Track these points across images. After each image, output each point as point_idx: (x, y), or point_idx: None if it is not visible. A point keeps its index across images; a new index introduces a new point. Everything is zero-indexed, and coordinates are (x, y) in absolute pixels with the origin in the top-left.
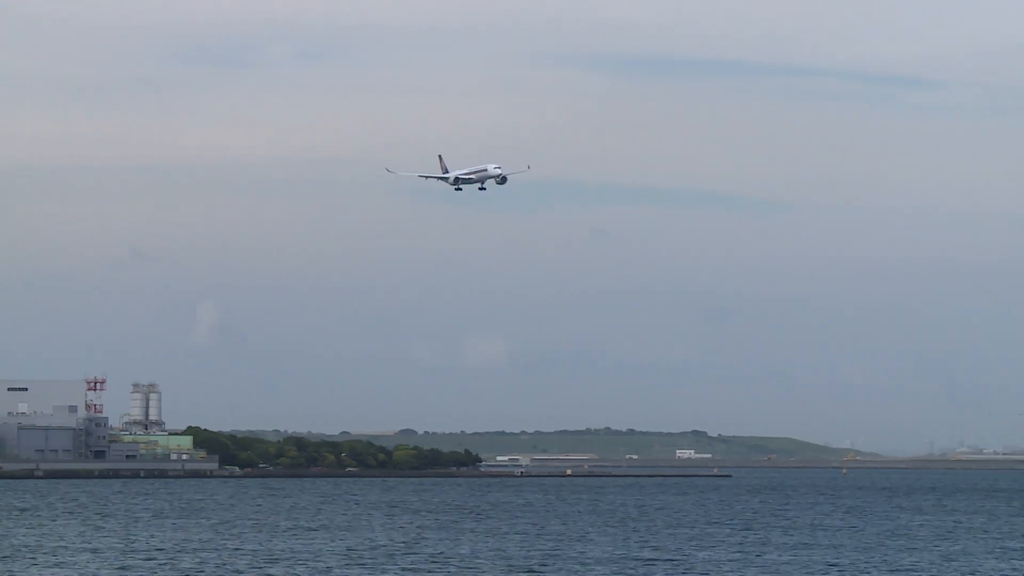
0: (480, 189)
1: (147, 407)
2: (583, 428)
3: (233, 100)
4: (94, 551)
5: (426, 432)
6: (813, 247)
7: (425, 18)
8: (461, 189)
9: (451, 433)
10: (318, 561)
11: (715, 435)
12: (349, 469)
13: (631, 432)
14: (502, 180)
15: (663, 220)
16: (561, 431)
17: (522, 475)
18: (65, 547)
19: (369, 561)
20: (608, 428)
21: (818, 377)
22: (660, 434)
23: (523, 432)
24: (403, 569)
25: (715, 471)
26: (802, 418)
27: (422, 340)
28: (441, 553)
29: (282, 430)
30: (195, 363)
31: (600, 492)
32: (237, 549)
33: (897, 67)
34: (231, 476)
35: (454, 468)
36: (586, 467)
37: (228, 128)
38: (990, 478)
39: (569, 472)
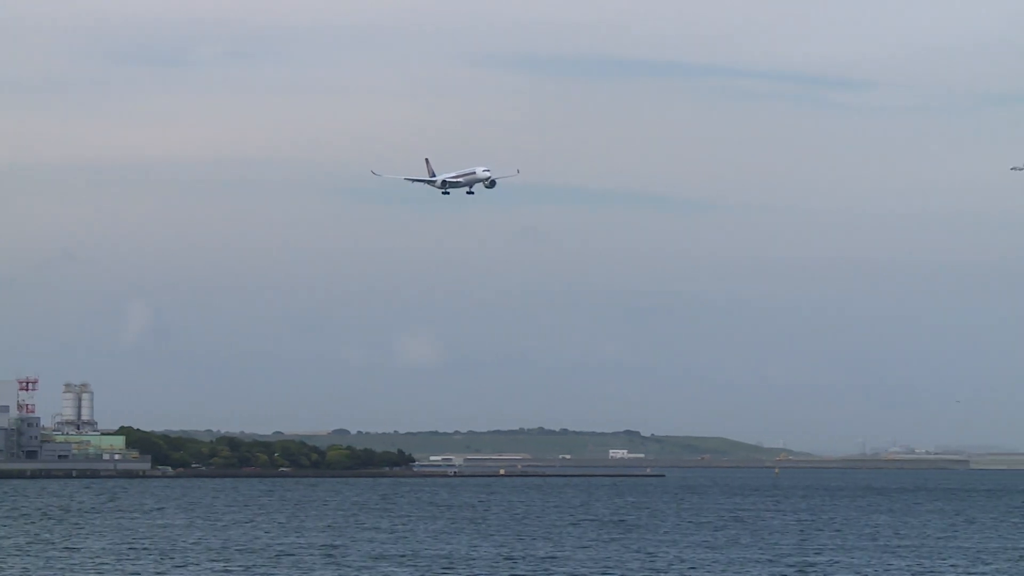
0: (468, 193)
1: (79, 407)
2: (516, 428)
3: (163, 100)
4: None
5: (359, 432)
6: (744, 247)
7: (356, 18)
8: (448, 193)
9: (384, 433)
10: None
11: (648, 435)
12: (282, 469)
13: (564, 432)
14: (491, 184)
15: (595, 219)
16: (494, 431)
17: (455, 475)
18: None
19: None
20: (541, 428)
21: (751, 377)
22: (593, 434)
23: (456, 432)
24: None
25: (648, 471)
26: (735, 418)
27: (355, 340)
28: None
29: (215, 430)
30: (127, 363)
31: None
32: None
33: (827, 68)
34: (164, 476)
35: (387, 468)
36: (519, 467)
37: (159, 128)
38: (923, 477)
39: (502, 472)
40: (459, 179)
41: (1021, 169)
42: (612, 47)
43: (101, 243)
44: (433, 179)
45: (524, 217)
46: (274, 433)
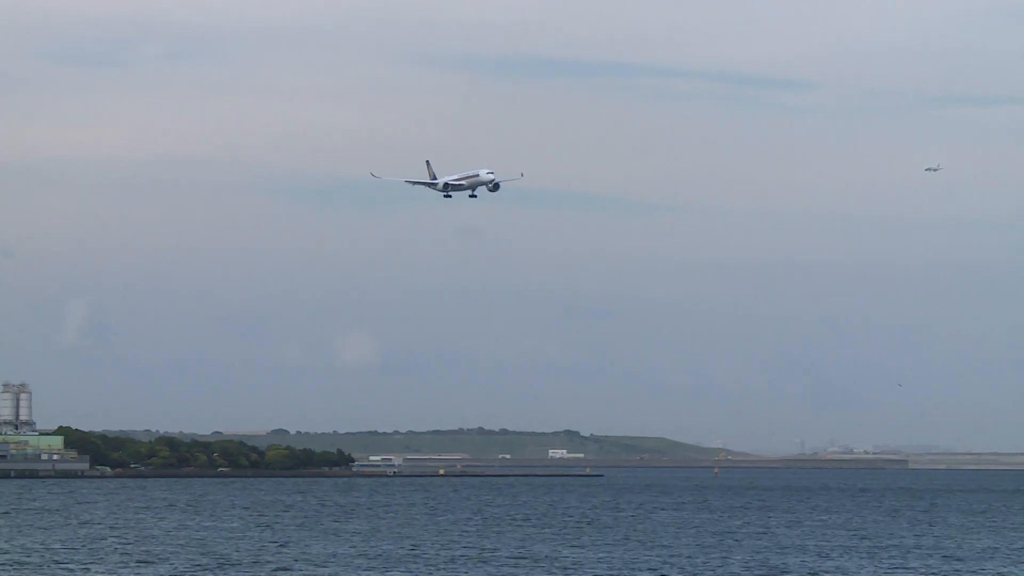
0: (471, 196)
1: (17, 407)
2: (456, 428)
3: (103, 100)
4: None
5: (299, 432)
6: (684, 248)
7: (295, 19)
8: (450, 196)
9: (324, 433)
10: None
11: (587, 435)
12: (221, 469)
13: (504, 432)
14: (495, 187)
15: (533, 220)
16: (434, 431)
17: (395, 475)
18: None
19: None
20: (481, 428)
21: (690, 377)
22: (533, 434)
23: (396, 432)
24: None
25: (587, 471)
26: (674, 418)
27: (294, 340)
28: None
29: (153, 430)
30: (66, 363)
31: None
32: None
33: (765, 69)
34: (102, 476)
35: (326, 468)
36: (459, 467)
37: (98, 127)
38: (862, 477)
39: (442, 472)
40: (461, 182)
41: (935, 170)
42: (552, 47)
43: (39, 242)
44: (434, 182)
45: (464, 217)
46: (213, 433)
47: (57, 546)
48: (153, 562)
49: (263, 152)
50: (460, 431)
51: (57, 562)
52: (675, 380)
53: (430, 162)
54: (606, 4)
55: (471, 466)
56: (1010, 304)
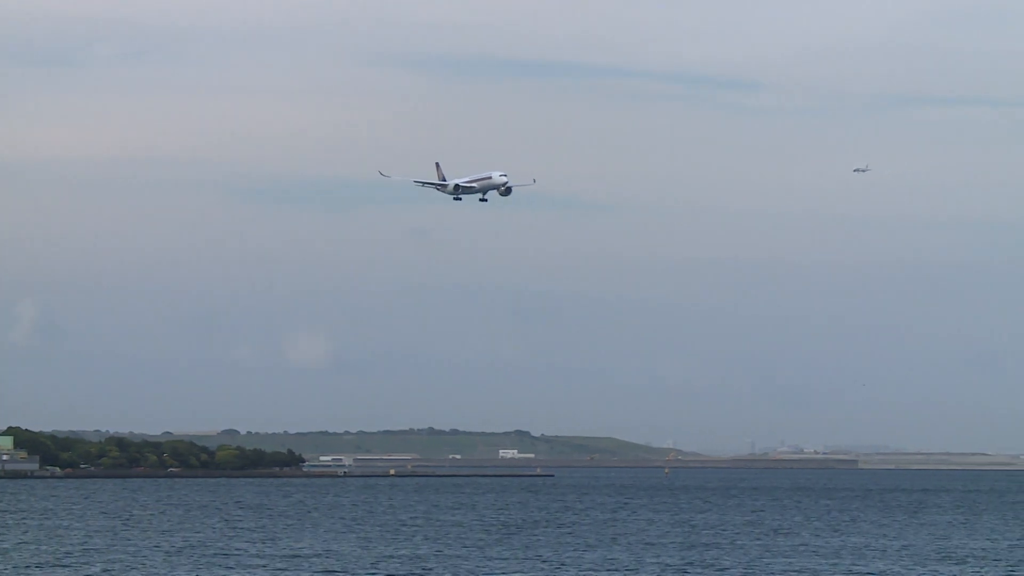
0: (481, 200)
1: None
2: (406, 428)
3: (56, 99)
4: None
5: (249, 432)
6: (634, 247)
7: (250, 18)
8: (460, 199)
9: (274, 433)
10: None
11: (538, 435)
12: (171, 470)
13: (454, 432)
14: (506, 191)
15: (484, 219)
16: (384, 431)
17: (345, 475)
18: None
19: None
20: (431, 428)
21: (641, 377)
22: (483, 434)
23: (346, 432)
24: None
25: (538, 471)
26: (625, 418)
27: (245, 340)
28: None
29: (104, 430)
30: (15, 362)
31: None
32: None
33: (717, 69)
34: (52, 477)
35: (277, 468)
36: (409, 467)
37: (50, 127)
38: (812, 477)
39: (392, 472)
40: (473, 184)
41: (863, 171)
42: (506, 47)
43: None
44: (444, 183)
45: (414, 217)
46: (163, 433)
47: None
48: None
49: (217, 152)
50: (410, 431)
51: None
52: (626, 380)
53: (440, 164)
54: (561, 5)
55: (421, 466)
56: (960, 304)
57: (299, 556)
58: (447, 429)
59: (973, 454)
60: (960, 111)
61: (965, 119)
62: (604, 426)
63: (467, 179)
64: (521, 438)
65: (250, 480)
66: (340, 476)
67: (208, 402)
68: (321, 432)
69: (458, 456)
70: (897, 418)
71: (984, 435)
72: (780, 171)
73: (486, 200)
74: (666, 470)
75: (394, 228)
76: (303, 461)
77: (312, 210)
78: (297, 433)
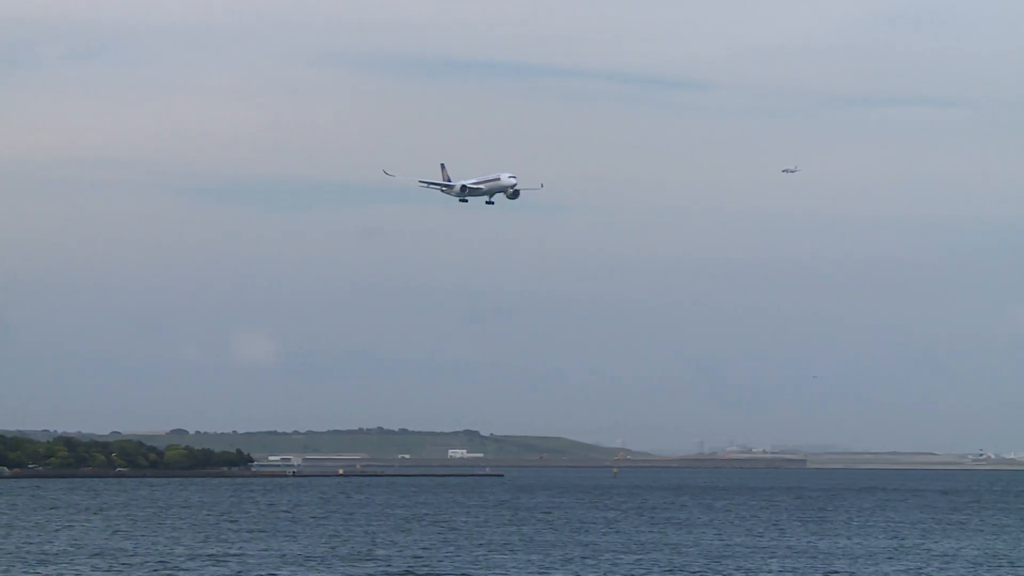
0: (488, 203)
1: None
2: (355, 428)
3: (3, 99)
4: None
5: (198, 432)
6: (583, 246)
7: (197, 18)
8: (467, 200)
9: (223, 433)
10: None
11: (488, 435)
12: (120, 470)
13: (403, 432)
14: (515, 193)
15: (434, 219)
16: (333, 431)
17: (294, 475)
18: None
19: None
20: (380, 428)
21: (590, 377)
22: (432, 433)
23: (295, 432)
24: None
25: (487, 470)
26: (574, 418)
27: (193, 339)
28: None
29: (52, 430)
30: None
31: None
32: None
33: (663, 69)
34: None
35: (226, 468)
36: (358, 467)
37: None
38: (760, 476)
39: (341, 472)
40: (480, 186)
41: (791, 171)
42: (453, 47)
43: None
44: (450, 185)
45: (364, 216)
46: (112, 433)
47: None
48: None
49: (162, 151)
50: (360, 431)
51: None
52: (576, 380)
53: (445, 165)
54: (506, 5)
55: (371, 466)
56: (909, 302)
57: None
58: (396, 429)
59: (921, 453)
60: (903, 111)
61: (908, 119)
62: (554, 426)
63: (474, 180)
64: (470, 438)
65: (198, 480)
66: (289, 476)
67: (157, 402)
68: (270, 432)
69: (407, 456)
70: (845, 418)
71: (932, 435)
72: (724, 170)
73: (492, 203)
74: (615, 470)
75: (344, 227)
76: (252, 461)
77: (261, 209)
78: (246, 433)
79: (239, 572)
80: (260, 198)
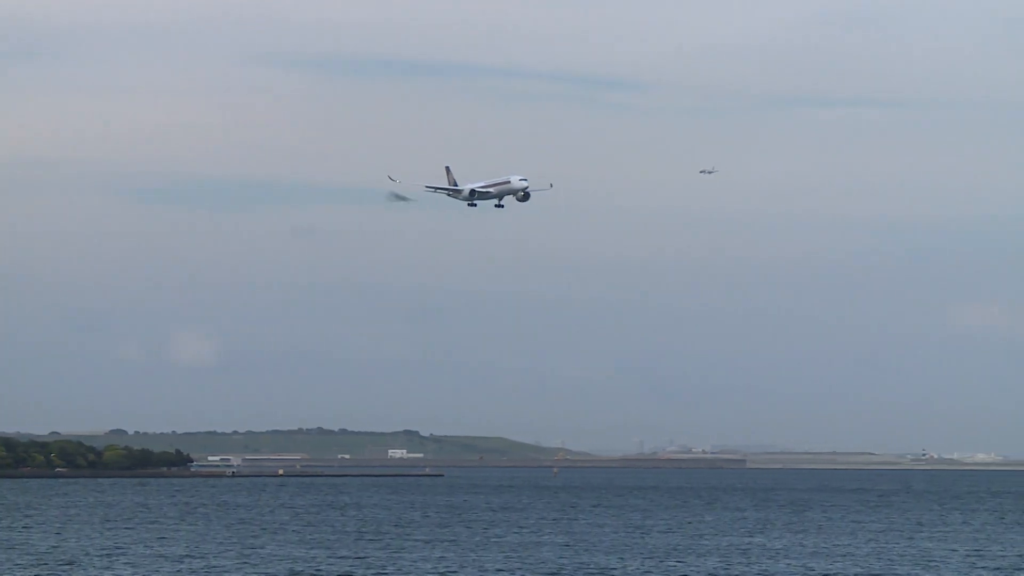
0: (497, 206)
1: None
2: (295, 428)
3: None
4: None
5: (137, 432)
6: (521, 245)
7: (138, 18)
8: (475, 204)
9: (162, 433)
10: None
11: (427, 435)
12: (59, 470)
13: (344, 432)
14: (525, 196)
15: (369, 219)
16: (273, 431)
17: (233, 475)
18: None
19: None
20: (320, 428)
21: (529, 376)
22: (372, 434)
23: (235, 432)
24: None
25: (427, 470)
26: (514, 418)
27: (131, 339)
28: None
29: None
30: None
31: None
32: None
33: (601, 69)
34: None
35: (165, 468)
36: (298, 467)
37: None
38: (702, 477)
39: (281, 472)
40: (489, 189)
41: (709, 172)
42: (390, 47)
43: None
44: (458, 189)
45: (301, 215)
46: (51, 433)
47: None
48: None
49: (102, 152)
50: (299, 431)
51: None
52: (515, 380)
53: (450, 168)
54: (444, 5)
55: (310, 466)
56: (849, 302)
57: None
58: (336, 429)
59: (860, 453)
60: (840, 112)
61: (844, 119)
62: (493, 426)
63: (483, 184)
64: (410, 438)
65: (137, 480)
66: (228, 476)
67: (96, 402)
68: (209, 432)
69: (347, 456)
70: (785, 418)
71: (871, 435)
72: (664, 169)
73: (502, 206)
74: (555, 470)
75: (282, 227)
76: (191, 461)
77: (197, 209)
78: (185, 433)
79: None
80: (198, 198)
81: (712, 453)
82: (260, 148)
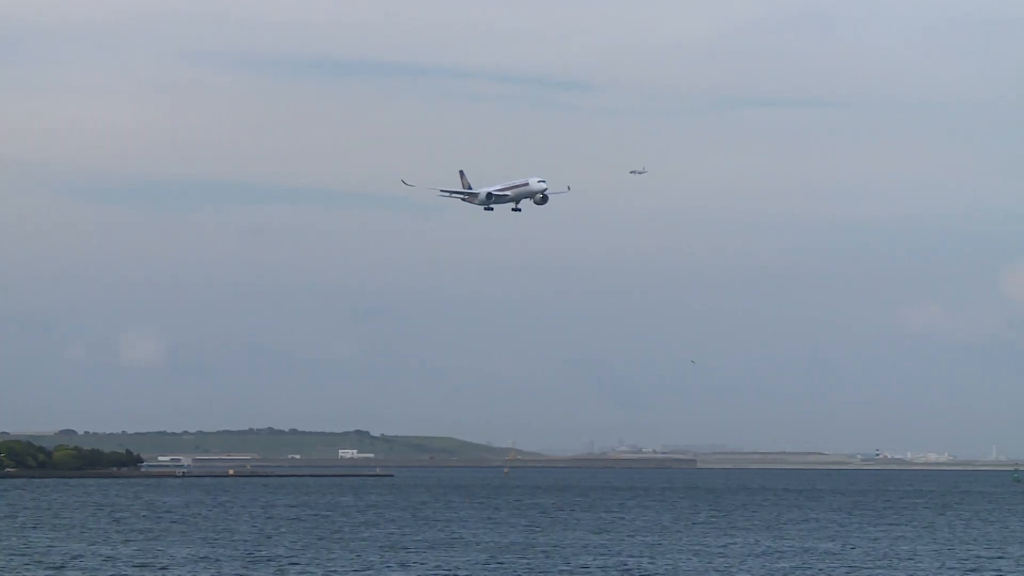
0: (514, 210)
1: None
2: (246, 428)
3: None
4: None
5: (87, 432)
6: (472, 246)
7: (78, 16)
8: (492, 208)
9: (112, 433)
10: None
11: (378, 435)
12: (8, 470)
13: (294, 432)
14: (543, 198)
15: (320, 219)
16: (224, 431)
17: (184, 476)
18: None
19: None
20: (271, 428)
21: (480, 377)
22: (323, 434)
23: (185, 432)
24: None
25: (377, 471)
26: (465, 418)
27: (81, 339)
28: None
29: None
30: None
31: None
32: None
33: (552, 70)
34: None
35: (115, 468)
36: (248, 467)
37: None
38: (650, 477)
39: (231, 472)
40: (507, 192)
41: (639, 172)
42: (338, 47)
43: None
44: (473, 192)
45: (250, 216)
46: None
47: None
48: None
49: (46, 151)
50: (250, 431)
51: None
52: (465, 379)
53: (464, 172)
54: (394, 5)
55: (261, 466)
56: (798, 302)
57: None
58: (287, 429)
59: (810, 453)
60: (784, 112)
61: (787, 119)
62: (444, 426)
63: (500, 187)
64: (361, 438)
65: (87, 480)
66: (178, 476)
67: (45, 402)
68: (160, 432)
69: (298, 456)
70: (735, 418)
71: (821, 435)
72: (617, 169)
73: (519, 210)
74: (505, 470)
75: (231, 227)
76: (141, 461)
77: (146, 209)
78: (136, 433)
79: None
80: (144, 197)
81: (662, 453)
82: (205, 148)
